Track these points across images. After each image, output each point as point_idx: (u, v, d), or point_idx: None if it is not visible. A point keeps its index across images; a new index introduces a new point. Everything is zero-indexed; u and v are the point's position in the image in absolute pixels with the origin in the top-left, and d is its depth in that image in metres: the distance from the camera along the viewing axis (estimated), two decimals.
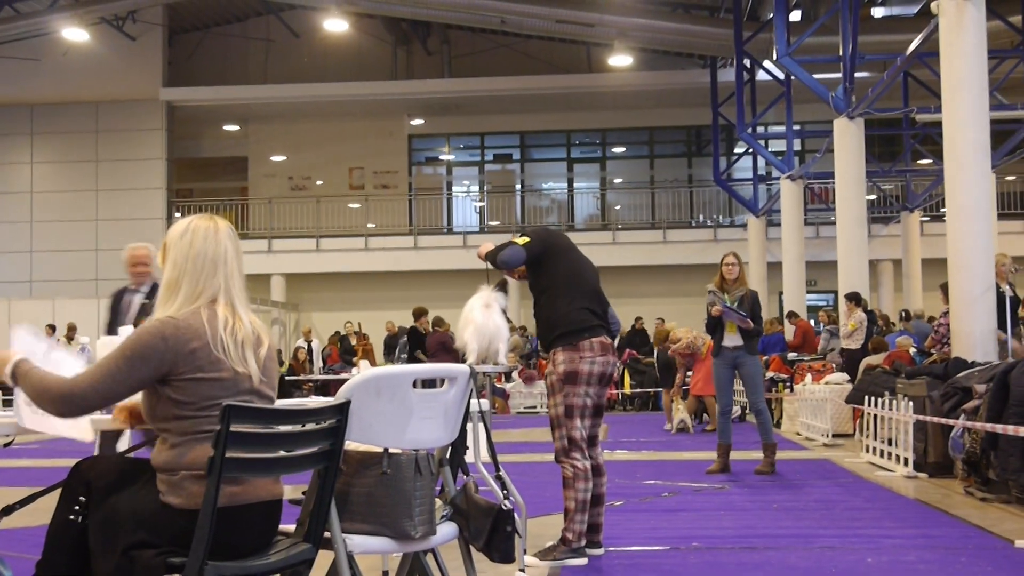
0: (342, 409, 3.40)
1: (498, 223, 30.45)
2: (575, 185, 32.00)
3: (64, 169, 29.48)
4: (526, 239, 6.07)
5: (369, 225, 29.88)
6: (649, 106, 30.58)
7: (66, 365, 3.48)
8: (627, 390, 22.18)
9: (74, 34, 26.90)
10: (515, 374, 20.73)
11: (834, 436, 13.16)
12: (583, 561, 5.86)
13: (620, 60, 27.66)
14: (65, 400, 3.17)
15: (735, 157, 30.26)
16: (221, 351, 3.27)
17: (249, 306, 3.49)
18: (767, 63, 24.72)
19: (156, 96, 29.32)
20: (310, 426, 3.34)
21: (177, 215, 29.17)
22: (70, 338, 21.41)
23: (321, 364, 24.23)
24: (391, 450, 3.66)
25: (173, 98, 29.60)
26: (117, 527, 3.19)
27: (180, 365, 3.21)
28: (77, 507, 3.29)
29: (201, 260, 3.38)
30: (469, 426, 5.69)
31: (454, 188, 32.91)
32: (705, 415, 16.38)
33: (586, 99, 30.20)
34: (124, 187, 28.99)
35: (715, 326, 10.17)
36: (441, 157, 32.97)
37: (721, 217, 30.39)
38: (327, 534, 3.41)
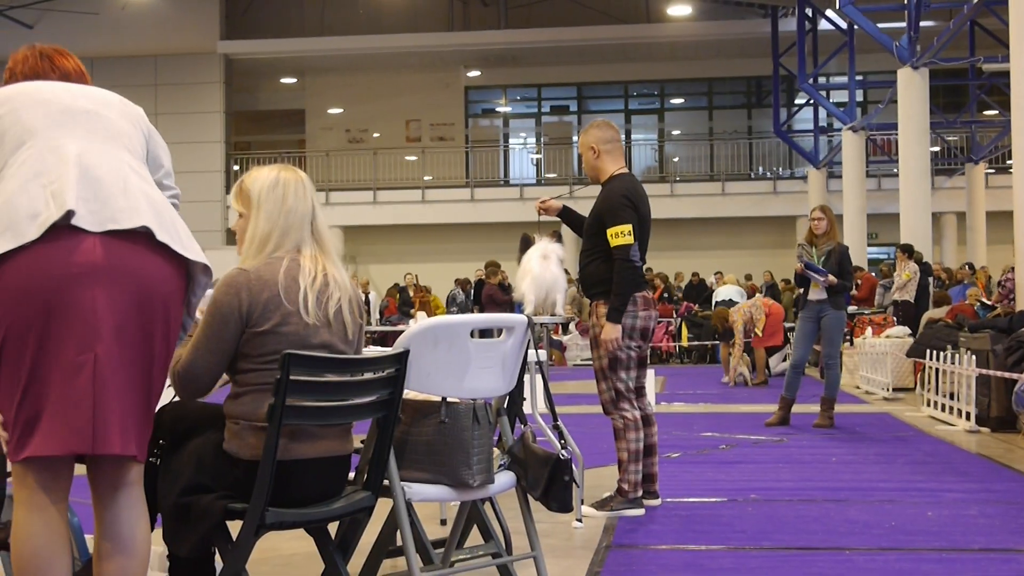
0: (400, 358, 3.40)
1: (555, 175, 30.35)
2: (633, 137, 31.78)
3: None
4: (629, 228, 5.83)
5: (426, 177, 29.90)
6: (708, 56, 30.23)
7: None
8: (684, 343, 22.11)
9: None
10: (572, 326, 20.72)
11: (894, 390, 13.04)
12: (640, 511, 5.86)
13: (679, 10, 27.35)
14: (181, 382, 3.27)
15: (796, 108, 29.89)
16: (294, 302, 3.25)
17: (336, 259, 3.45)
18: (829, 12, 24.31)
19: (214, 49, 29.45)
20: (369, 375, 3.34)
21: (235, 168, 29.37)
22: None
23: (378, 316, 24.35)
24: (449, 399, 3.66)
25: (230, 51, 29.72)
26: (181, 469, 3.25)
27: (255, 316, 3.22)
28: (157, 450, 3.36)
29: (295, 215, 3.35)
30: (526, 376, 5.69)
31: (511, 140, 32.82)
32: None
33: (644, 50, 29.90)
34: (183, 140, 29.17)
35: (802, 279, 10.02)
36: (498, 109, 32.86)
37: (781, 169, 30.05)
38: (386, 482, 3.43)
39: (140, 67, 29.37)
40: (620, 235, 5.80)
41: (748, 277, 22.79)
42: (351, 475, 3.51)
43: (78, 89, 3.03)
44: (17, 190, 2.68)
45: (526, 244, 6.91)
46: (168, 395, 3.70)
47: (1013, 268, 12.04)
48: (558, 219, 6.38)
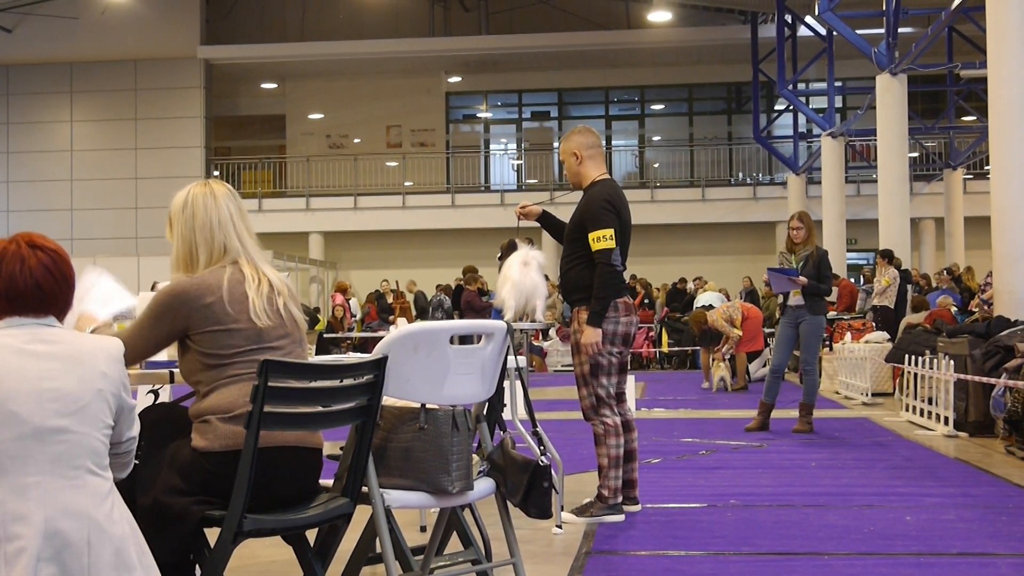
0: (379, 364, 3.40)
1: (536, 181, 30.37)
2: (613, 143, 31.83)
3: (103, 127, 29.62)
4: (611, 232, 5.83)
5: (407, 183, 29.89)
6: (688, 63, 30.32)
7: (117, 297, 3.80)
8: (664, 348, 22.14)
9: None
10: (552, 332, 20.73)
11: (873, 395, 13.09)
12: (620, 517, 5.86)
13: (659, 16, 27.42)
14: None
15: (775, 114, 29.98)
16: (241, 307, 3.33)
17: (267, 260, 3.54)
18: (808, 18, 24.43)
19: (194, 54, 29.37)
20: (348, 381, 3.35)
21: (216, 173, 29.29)
22: None
23: (359, 322, 24.32)
24: (428, 406, 3.66)
25: (211, 56, 29.64)
26: (156, 471, 3.28)
27: (196, 320, 3.31)
28: (138, 452, 3.36)
29: (208, 227, 3.45)
30: (506, 383, 5.70)
31: (491, 146, 32.84)
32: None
33: (624, 56, 29.97)
34: (163, 145, 29.12)
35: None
36: (479, 115, 32.88)
37: (761, 175, 30.16)
38: (365, 489, 3.42)
39: (120, 72, 29.25)
40: (602, 239, 5.81)
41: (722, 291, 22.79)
42: (329, 482, 3.50)
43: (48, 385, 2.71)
44: None
45: (512, 249, 6.91)
46: (148, 400, 3.71)
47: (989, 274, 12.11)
48: (538, 224, 6.38)
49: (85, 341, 2.81)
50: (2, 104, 29.57)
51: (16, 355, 2.68)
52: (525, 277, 6.42)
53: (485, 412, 4.14)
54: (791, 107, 27.14)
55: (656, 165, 31.62)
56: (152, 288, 4.88)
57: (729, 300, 18.65)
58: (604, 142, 30.23)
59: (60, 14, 28.32)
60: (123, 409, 2.83)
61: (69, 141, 29.56)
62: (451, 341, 3.76)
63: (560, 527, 5.60)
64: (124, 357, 3.18)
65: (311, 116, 31.93)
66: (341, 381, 3.34)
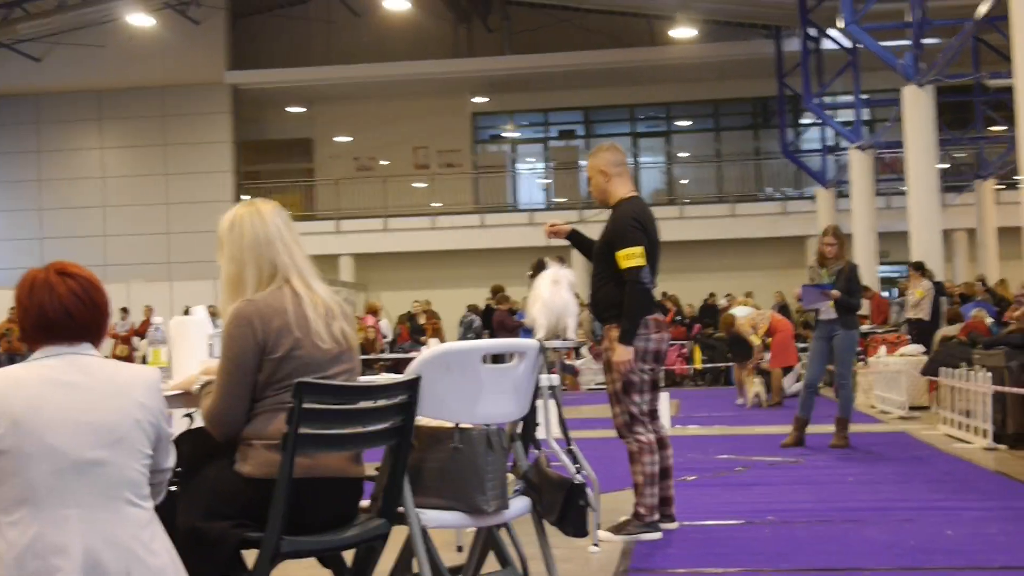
0: (412, 385, 3.39)
1: (564, 199, 30.36)
2: (640, 160, 31.79)
3: (133, 154, 29.86)
4: (640, 250, 5.80)
5: (435, 204, 29.91)
6: (713, 78, 30.26)
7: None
8: (698, 365, 22.04)
9: (139, 19, 27.21)
10: (584, 350, 20.68)
11: (910, 409, 12.96)
12: (657, 535, 5.82)
13: (683, 32, 27.39)
14: (212, 425, 3.31)
15: (802, 128, 29.87)
16: (304, 329, 3.30)
17: (321, 279, 3.49)
18: (833, 31, 24.33)
19: (221, 80, 29.57)
20: (381, 402, 3.34)
21: (245, 198, 29.42)
22: (147, 321, 21.77)
23: (390, 343, 24.31)
24: (462, 425, 3.64)
25: (238, 81, 29.84)
26: (196, 495, 3.26)
27: (268, 344, 3.27)
28: (175, 478, 3.35)
29: (256, 245, 3.40)
30: (539, 401, 5.67)
31: (518, 165, 32.86)
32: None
33: (649, 73, 29.95)
34: (192, 171, 29.30)
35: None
36: (505, 134, 32.92)
37: (789, 190, 30.03)
38: (401, 509, 3.41)
39: (148, 98, 29.48)
40: (631, 257, 5.78)
41: (748, 293, 22.60)
42: (366, 503, 3.49)
43: (87, 420, 2.69)
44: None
45: (541, 268, 6.90)
46: (184, 424, 3.70)
47: None
48: (567, 243, 6.36)
49: (121, 371, 2.80)
50: (33, 132, 29.85)
51: (53, 386, 2.66)
52: (555, 296, 6.42)
53: (519, 431, 4.12)
54: (818, 121, 27.02)
55: (684, 182, 31.54)
56: (185, 312, 4.89)
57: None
58: (631, 160, 30.41)
59: (87, 42, 28.58)
60: (161, 439, 2.82)
61: (99, 168, 29.79)
62: (483, 360, 3.75)
63: (597, 545, 5.56)
64: (229, 415, 3.23)
65: (338, 139, 32.06)
66: (375, 402, 3.32)
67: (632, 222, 5.86)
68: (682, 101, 31.71)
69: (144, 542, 2.65)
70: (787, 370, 15.94)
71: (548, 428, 5.68)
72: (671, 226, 25.49)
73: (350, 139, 31.98)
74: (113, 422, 2.68)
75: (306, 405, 3.08)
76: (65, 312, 2.75)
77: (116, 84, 29.43)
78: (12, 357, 18.86)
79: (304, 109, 31.96)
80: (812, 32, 25.25)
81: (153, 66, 29.26)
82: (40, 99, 29.58)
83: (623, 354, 5.79)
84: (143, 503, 2.71)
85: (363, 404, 3.30)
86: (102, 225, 29.53)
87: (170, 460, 2.90)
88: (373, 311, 24.64)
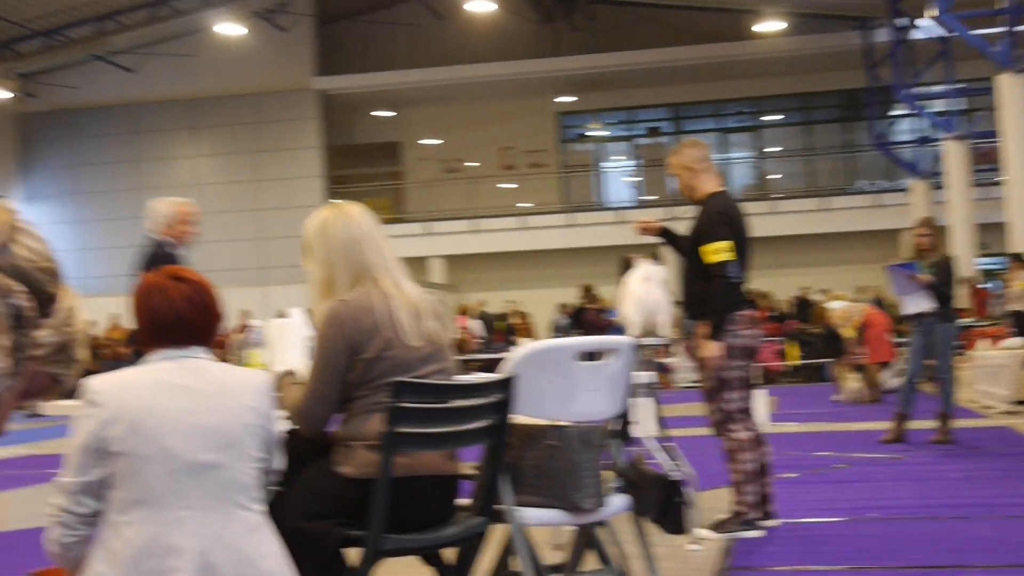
0: (507, 384, 3.37)
1: (652, 197, 30.18)
2: (729, 155, 31.50)
3: (225, 161, 30.33)
4: (728, 245, 5.76)
5: (523, 204, 29.92)
6: (801, 71, 29.83)
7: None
8: (793, 361, 21.77)
9: (228, 28, 27.64)
10: (678, 347, 20.52)
11: (1014, 403, 12.64)
12: (758, 533, 5.73)
13: (770, 26, 27.09)
14: (299, 421, 3.37)
15: (893, 120, 29.35)
16: (394, 328, 3.30)
17: (407, 276, 3.50)
18: (923, 20, 23.87)
19: (309, 86, 29.91)
20: (477, 400, 3.33)
21: (335, 202, 29.67)
22: (244, 324, 22.14)
23: (482, 344, 24.42)
24: (557, 423, 3.62)
25: (325, 87, 30.15)
26: (297, 496, 3.28)
27: (360, 344, 3.29)
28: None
29: (347, 247, 3.42)
30: (634, 398, 5.62)
31: (606, 163, 32.76)
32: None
33: (736, 67, 29.64)
34: (283, 176, 29.66)
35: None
36: (591, 133, 32.84)
37: (882, 182, 29.51)
38: (500, 507, 3.40)
39: (238, 106, 29.92)
40: (717, 252, 5.72)
41: (861, 290, 22.21)
42: (463, 501, 3.49)
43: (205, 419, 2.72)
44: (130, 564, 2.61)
45: (626, 267, 6.85)
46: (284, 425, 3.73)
47: None
48: (659, 240, 6.30)
49: (232, 374, 2.83)
50: (132, 142, 30.47)
51: (167, 390, 2.70)
52: (648, 293, 6.38)
53: (615, 428, 4.09)
54: (910, 111, 26.54)
55: (775, 176, 31.17)
56: (279, 316, 4.93)
57: None
58: (720, 155, 30.16)
59: (179, 52, 29.11)
60: (271, 443, 2.84)
61: (192, 175, 30.29)
62: (577, 358, 3.73)
63: (696, 543, 5.50)
64: (318, 413, 3.30)
65: (426, 141, 32.23)
66: (471, 400, 3.32)
67: (718, 216, 5.81)
68: (770, 95, 31.33)
69: (255, 545, 2.67)
70: (884, 366, 15.67)
71: (644, 425, 5.64)
72: (762, 221, 25.09)
73: (437, 141, 32.13)
74: (225, 425, 2.70)
75: (403, 404, 3.09)
76: (177, 316, 2.78)
77: (208, 92, 29.93)
78: (116, 363, 19.27)
79: (391, 113, 32.18)
80: (902, 22, 24.79)
81: (243, 74, 29.69)
82: (135, 109, 30.19)
83: (711, 350, 5.73)
84: (253, 506, 2.73)
85: (459, 403, 3.29)
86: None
87: (279, 462, 2.92)
88: (464, 312, 24.79)
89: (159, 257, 6.84)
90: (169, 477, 2.62)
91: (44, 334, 2.14)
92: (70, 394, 2.45)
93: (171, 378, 2.72)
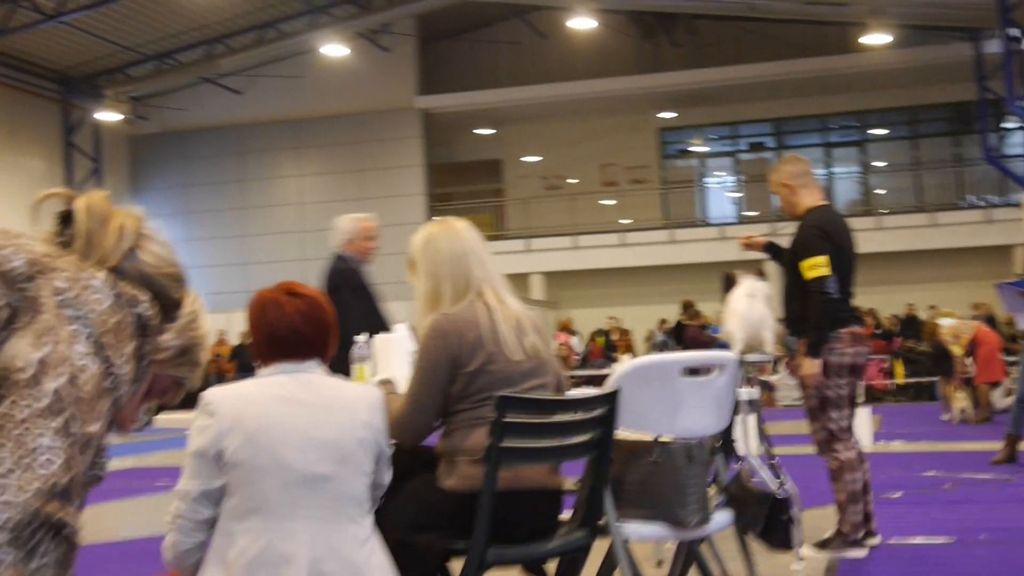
0: (611, 398, 3.39)
1: (756, 212, 29.91)
2: (834, 170, 31.07)
3: (330, 180, 30.77)
4: (824, 260, 5.68)
5: (624, 221, 29.85)
6: (908, 84, 29.34)
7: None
8: (899, 379, 21.38)
9: (333, 50, 28.09)
10: (781, 365, 20.29)
11: None
12: (863, 552, 5.66)
13: (877, 39, 26.69)
14: (398, 432, 3.36)
15: (1005, 132, 28.69)
16: (496, 341, 3.33)
17: (510, 291, 3.54)
18: None
19: (411, 105, 30.24)
20: (581, 415, 3.35)
21: (439, 219, 29.91)
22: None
23: (582, 360, 24.42)
24: (661, 438, 3.63)
25: (427, 106, 30.45)
26: (402, 509, 3.33)
27: (463, 357, 3.32)
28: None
29: (453, 260, 3.47)
30: (738, 416, 5.59)
31: (708, 179, 32.55)
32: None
33: (841, 81, 29.25)
34: (386, 195, 29.99)
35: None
36: (693, 149, 32.67)
37: (993, 196, 28.85)
38: (602, 522, 3.41)
39: (343, 126, 30.36)
40: (814, 267, 5.68)
41: (977, 307, 21.72)
42: (566, 515, 3.51)
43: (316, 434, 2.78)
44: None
45: (729, 283, 6.82)
46: None
47: None
48: (764, 255, 6.27)
49: (345, 389, 2.89)
50: (238, 162, 31.10)
51: (283, 403, 2.76)
52: (752, 309, 6.34)
53: (719, 444, 4.08)
54: (1021, 124, 25.93)
55: (880, 191, 30.67)
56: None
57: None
58: (824, 170, 29.75)
59: (285, 74, 29.66)
60: (382, 457, 2.89)
61: (298, 195, 30.81)
62: (682, 373, 3.73)
63: (801, 561, 5.44)
64: (416, 423, 3.33)
65: (527, 159, 32.36)
66: (575, 415, 3.34)
67: (814, 231, 5.76)
68: (876, 109, 30.85)
69: (365, 556, 2.73)
70: (994, 385, 15.31)
71: (747, 442, 5.60)
72: (868, 237, 24.74)
73: (538, 158, 32.24)
74: (338, 439, 2.76)
75: (507, 419, 3.12)
76: (292, 330, 2.85)
77: (313, 113, 30.43)
78: (221, 378, 19.62)
79: (493, 131, 32.38)
80: (1014, 32, 24.24)
81: (347, 94, 30.14)
82: (242, 130, 30.82)
83: (810, 367, 5.67)
84: (363, 519, 2.79)
85: (563, 417, 3.32)
86: (300, 250, 30.47)
87: (388, 477, 2.97)
88: (565, 328, 24.82)
89: (343, 272, 7.23)
90: (284, 488, 2.68)
91: (168, 338, 2.22)
92: (180, 406, 2.53)
93: (285, 392, 2.78)
